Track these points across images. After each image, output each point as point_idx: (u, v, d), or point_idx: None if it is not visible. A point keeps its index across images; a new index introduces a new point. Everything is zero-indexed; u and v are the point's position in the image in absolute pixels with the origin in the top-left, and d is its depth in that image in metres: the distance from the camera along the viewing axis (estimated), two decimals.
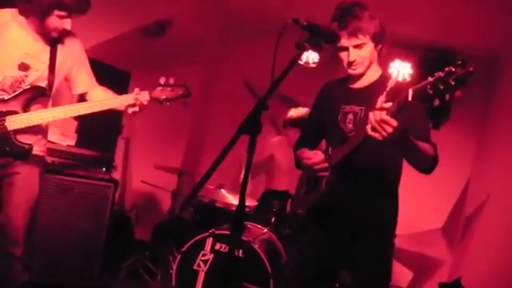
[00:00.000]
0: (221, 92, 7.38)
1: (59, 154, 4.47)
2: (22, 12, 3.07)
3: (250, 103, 2.31)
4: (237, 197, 2.29)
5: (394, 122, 2.28)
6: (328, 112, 3.02)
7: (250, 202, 5.10)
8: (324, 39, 2.50)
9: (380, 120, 2.29)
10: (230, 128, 2.24)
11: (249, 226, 4.75)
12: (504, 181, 4.79)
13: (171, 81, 3.33)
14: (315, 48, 2.50)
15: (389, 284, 3.06)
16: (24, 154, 3.10)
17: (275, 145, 5.78)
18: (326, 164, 2.86)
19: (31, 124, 3.08)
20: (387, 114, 2.29)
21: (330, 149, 2.91)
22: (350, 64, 2.86)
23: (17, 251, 3.13)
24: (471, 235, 5.48)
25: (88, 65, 3.44)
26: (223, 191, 5.20)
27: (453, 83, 2.04)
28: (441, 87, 2.06)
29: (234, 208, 5.00)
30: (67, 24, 3.07)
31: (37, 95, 3.13)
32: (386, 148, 2.65)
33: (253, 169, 2.26)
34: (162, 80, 3.32)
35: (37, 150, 3.21)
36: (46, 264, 4.17)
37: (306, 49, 2.48)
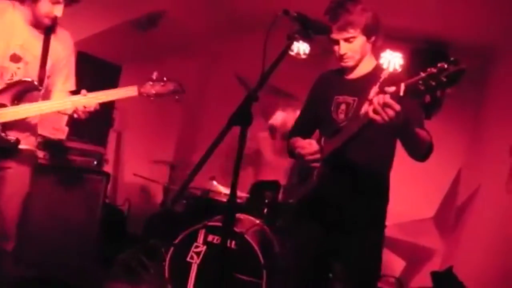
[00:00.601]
0: (214, 86, 7.37)
1: (50, 147, 4.45)
2: None
3: (241, 96, 2.30)
4: (229, 188, 2.29)
5: (397, 106, 2.26)
6: (321, 102, 3.02)
7: (241, 194, 5.12)
8: (315, 30, 2.50)
9: (383, 103, 2.27)
10: (222, 121, 2.23)
11: (241, 217, 4.75)
12: (495, 170, 4.82)
13: (164, 77, 3.23)
14: (305, 39, 2.50)
15: (379, 274, 3.08)
16: (11, 148, 3.04)
17: (262, 140, 5.79)
18: (318, 155, 2.84)
19: (17, 117, 3.01)
20: (393, 99, 2.27)
21: (323, 140, 2.91)
22: (341, 57, 2.87)
23: (8, 246, 3.11)
24: (463, 224, 5.51)
25: (72, 76, 3.37)
26: (214, 183, 5.21)
27: (444, 79, 2.04)
28: (433, 83, 2.06)
29: (225, 200, 5.01)
30: (58, 10, 3.01)
31: (27, 89, 3.07)
32: (377, 140, 2.68)
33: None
34: (154, 75, 3.21)
35: (28, 145, 3.18)
36: (38, 258, 4.16)
37: (296, 40, 2.49)
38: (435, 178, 5.74)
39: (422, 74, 2.10)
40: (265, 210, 4.95)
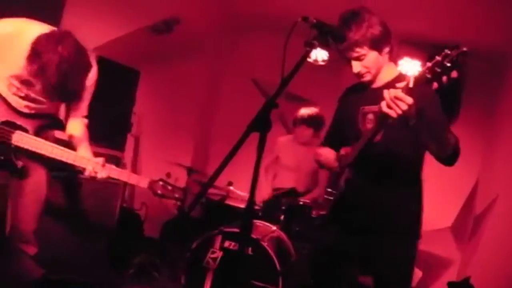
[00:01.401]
0: (228, 89, 7.40)
1: None
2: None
3: (257, 100, 2.32)
4: (246, 194, 2.30)
5: (408, 99, 2.31)
6: (347, 115, 3.01)
7: (259, 200, 5.12)
8: (333, 37, 2.50)
9: (395, 97, 2.33)
10: (237, 125, 2.24)
11: (258, 224, 4.75)
12: None
13: (173, 181, 3.34)
14: (324, 46, 2.50)
15: (410, 286, 3.03)
16: (16, 172, 3.07)
17: (281, 144, 5.79)
18: (336, 164, 2.89)
19: (32, 149, 3.04)
20: (404, 91, 2.31)
21: (342, 148, 2.92)
22: (356, 74, 2.88)
23: (31, 249, 3.16)
24: (480, 234, 5.46)
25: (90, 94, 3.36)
26: (232, 188, 5.21)
27: (448, 64, 2.12)
28: (438, 70, 2.14)
29: (243, 206, 5.01)
30: None
31: (53, 126, 3.16)
32: (404, 141, 2.67)
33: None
34: (168, 176, 3.38)
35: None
36: (55, 261, 4.18)
37: (315, 47, 2.47)
38: (453, 188, 5.71)
39: (428, 64, 2.18)
40: (282, 217, 4.94)
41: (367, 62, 2.81)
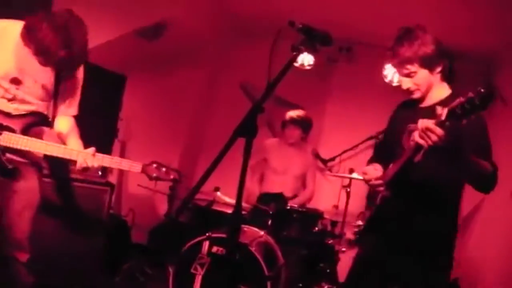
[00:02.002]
0: (219, 95, 7.39)
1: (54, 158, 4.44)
2: (22, 38, 2.92)
3: (247, 106, 2.31)
4: (233, 200, 2.30)
5: (439, 131, 2.32)
6: (395, 130, 3.02)
7: (246, 205, 5.12)
8: (320, 41, 2.50)
9: (426, 127, 2.35)
10: (227, 131, 2.24)
11: (245, 229, 4.74)
12: (500, 180, 4.79)
13: (169, 164, 3.35)
14: (310, 51, 2.50)
15: None
16: (8, 173, 3.06)
17: (269, 146, 5.79)
18: (380, 181, 2.92)
19: (22, 148, 3.03)
20: (435, 124, 2.33)
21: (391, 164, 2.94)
22: (406, 90, 2.90)
23: (23, 256, 3.13)
24: (468, 236, 5.48)
25: (77, 99, 3.37)
26: (219, 194, 5.20)
27: (478, 103, 2.13)
28: (468, 107, 2.15)
29: (230, 211, 5.00)
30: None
31: (40, 123, 3.12)
32: (445, 168, 2.63)
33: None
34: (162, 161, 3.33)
35: (33, 158, 3.18)
36: (44, 268, 4.14)
37: (301, 52, 2.48)
38: None
39: (462, 99, 2.18)
40: (269, 222, 4.94)
41: (417, 80, 2.83)
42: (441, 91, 2.89)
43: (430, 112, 2.60)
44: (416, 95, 2.89)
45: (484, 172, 2.63)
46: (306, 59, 6.43)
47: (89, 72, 3.41)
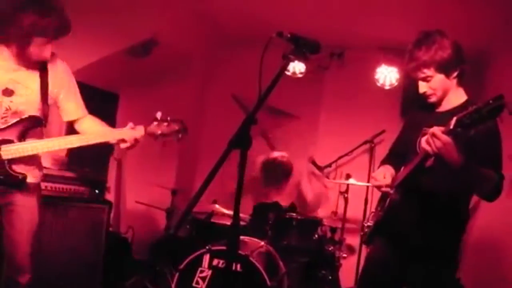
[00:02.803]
0: (211, 107, 7.40)
1: (51, 178, 4.44)
2: (1, 41, 2.99)
3: (240, 117, 2.31)
4: (231, 211, 2.30)
5: (444, 138, 2.37)
6: (411, 133, 3.01)
7: (244, 216, 5.12)
8: (309, 49, 2.51)
9: (433, 133, 2.40)
10: (222, 143, 2.25)
11: (246, 240, 4.73)
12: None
13: (168, 117, 3.31)
14: (300, 59, 2.51)
15: None
16: (18, 183, 3.06)
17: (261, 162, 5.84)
18: (388, 189, 2.95)
19: (25, 154, 3.03)
20: (443, 132, 2.38)
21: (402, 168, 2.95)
22: (422, 95, 2.90)
23: (23, 279, 3.12)
24: (468, 235, 5.48)
25: (77, 91, 3.37)
26: (217, 206, 5.21)
27: (486, 113, 2.16)
28: (476, 116, 2.19)
29: (229, 223, 5.00)
30: (47, 51, 3.02)
31: (33, 125, 3.10)
32: (455, 175, 2.63)
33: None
34: (158, 115, 3.29)
35: (33, 178, 3.18)
36: (46, 285, 4.14)
37: (292, 60, 2.49)
38: None
39: (470, 109, 2.22)
40: (269, 231, 4.94)
41: (434, 84, 2.83)
42: (458, 96, 2.90)
43: (446, 117, 2.61)
44: (432, 99, 2.90)
45: (487, 184, 2.64)
46: (297, 67, 6.45)
47: (81, 92, 3.41)
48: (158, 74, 6.58)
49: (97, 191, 4.74)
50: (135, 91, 6.68)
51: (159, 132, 3.27)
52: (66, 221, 4.38)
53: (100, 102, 6.16)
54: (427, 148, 2.45)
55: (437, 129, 2.40)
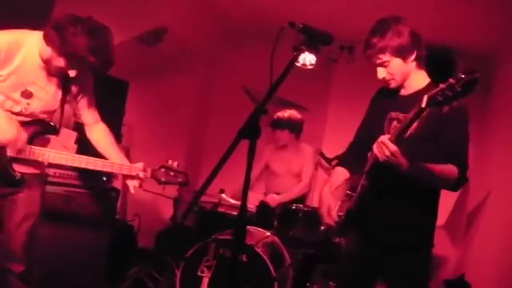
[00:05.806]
0: (219, 98, 7.40)
1: (59, 165, 4.45)
2: (45, 37, 2.89)
3: (248, 108, 2.32)
4: (238, 201, 2.31)
5: (392, 147, 2.42)
6: (376, 118, 3.02)
7: (251, 206, 5.12)
8: (321, 40, 2.50)
9: (381, 142, 2.45)
10: (229, 133, 2.25)
11: (251, 230, 4.74)
12: (504, 177, 4.80)
13: (175, 165, 3.39)
14: (311, 50, 2.50)
15: None
16: (14, 183, 3.04)
17: (269, 151, 5.80)
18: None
19: (31, 157, 3.03)
20: (390, 139, 2.43)
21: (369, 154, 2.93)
22: (382, 80, 2.90)
23: (17, 268, 3.10)
24: (474, 231, 5.48)
25: (93, 99, 3.37)
26: (224, 196, 5.21)
27: (459, 89, 2.13)
28: (449, 94, 2.15)
29: (236, 213, 5.01)
30: (72, 73, 2.98)
31: (46, 131, 3.11)
32: (422, 155, 2.65)
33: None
34: (169, 162, 3.39)
35: (38, 169, 3.17)
36: (48, 276, 4.15)
37: (303, 51, 2.48)
38: None
39: (442, 85, 2.19)
40: (275, 222, 4.94)
41: (392, 69, 2.82)
42: (420, 79, 2.89)
43: (410, 100, 2.66)
44: (392, 84, 2.88)
45: (444, 179, 2.70)
46: (308, 59, 6.41)
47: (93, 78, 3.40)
48: (167, 64, 6.58)
49: (104, 178, 4.75)
50: (145, 79, 6.67)
51: (163, 179, 3.36)
52: (73, 207, 4.40)
53: (110, 89, 6.17)
54: (378, 155, 2.49)
55: (385, 138, 2.46)
